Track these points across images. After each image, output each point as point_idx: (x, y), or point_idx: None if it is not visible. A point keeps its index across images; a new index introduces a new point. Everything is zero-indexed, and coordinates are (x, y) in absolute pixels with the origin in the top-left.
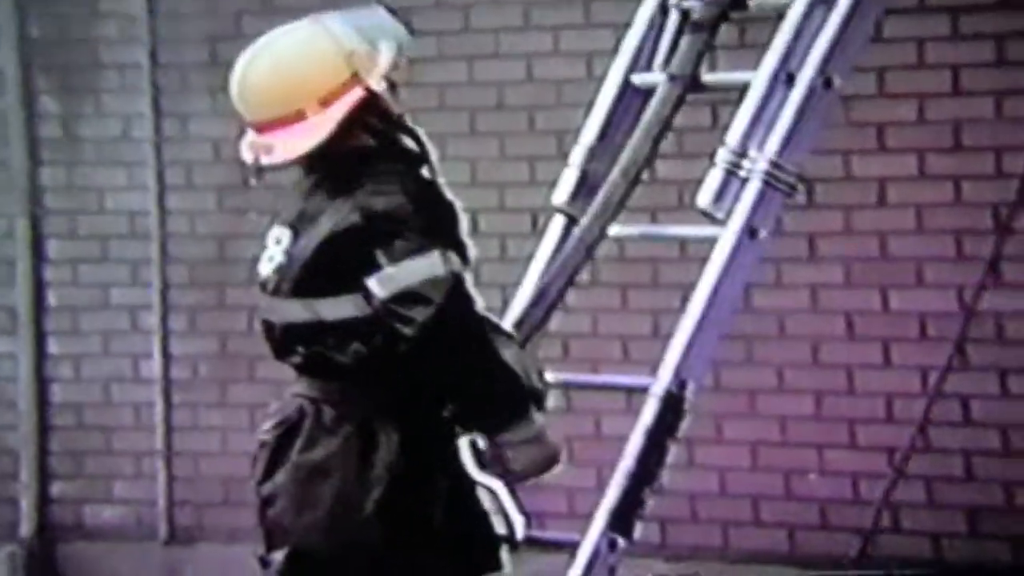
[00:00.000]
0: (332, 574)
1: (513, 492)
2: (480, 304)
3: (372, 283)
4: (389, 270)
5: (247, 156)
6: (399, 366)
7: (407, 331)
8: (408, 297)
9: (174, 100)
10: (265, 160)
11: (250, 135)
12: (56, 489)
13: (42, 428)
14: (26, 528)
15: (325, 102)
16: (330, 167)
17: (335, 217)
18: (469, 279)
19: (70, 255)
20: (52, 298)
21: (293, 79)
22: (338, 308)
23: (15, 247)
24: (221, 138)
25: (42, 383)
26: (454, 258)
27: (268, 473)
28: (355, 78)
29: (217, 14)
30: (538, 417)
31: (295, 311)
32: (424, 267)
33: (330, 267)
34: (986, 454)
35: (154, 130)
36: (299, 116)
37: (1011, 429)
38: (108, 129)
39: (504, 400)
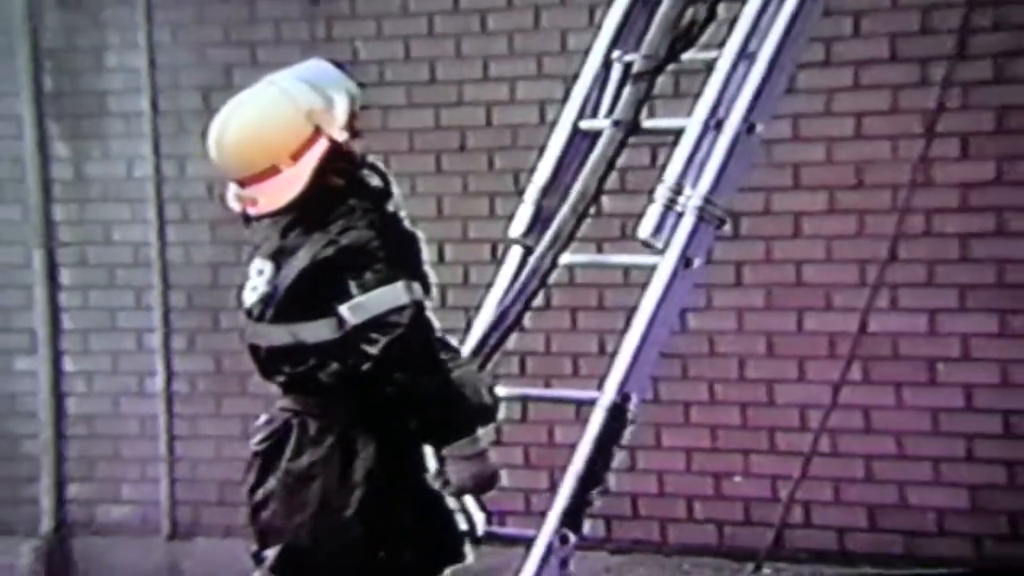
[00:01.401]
0: (319, 568)
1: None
2: (438, 326)
3: (344, 310)
4: (360, 299)
5: (235, 206)
6: (371, 383)
7: (373, 351)
8: (376, 323)
9: (172, 144)
10: (252, 211)
11: (234, 187)
12: (72, 491)
13: (59, 437)
14: (46, 525)
15: (295, 156)
16: (305, 205)
17: (312, 250)
18: (429, 306)
19: (81, 282)
20: (66, 321)
21: (264, 141)
22: (316, 331)
23: (33, 276)
24: (214, 177)
25: (58, 397)
26: (416, 287)
27: (260, 480)
28: (318, 131)
29: (210, 67)
30: (483, 438)
31: (278, 335)
32: (390, 296)
33: (308, 295)
34: (884, 458)
35: (154, 170)
36: (274, 171)
37: (905, 436)
38: (114, 170)
39: (450, 417)
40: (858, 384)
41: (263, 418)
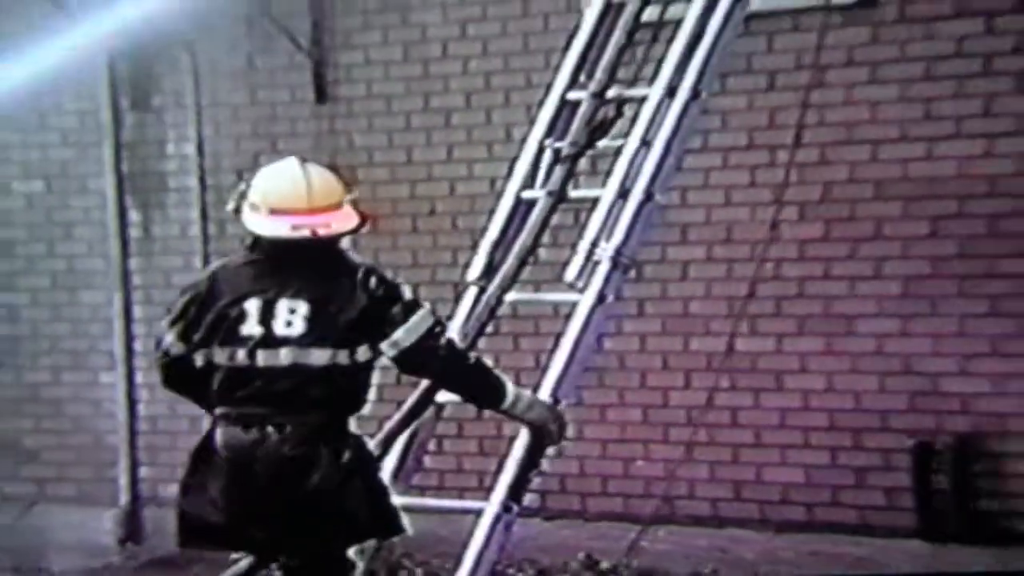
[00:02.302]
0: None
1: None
2: None
3: (400, 334)
4: (408, 324)
5: (301, 232)
6: (365, 394)
7: (441, 353)
8: (429, 335)
9: (215, 211)
10: (323, 232)
11: (292, 220)
12: (142, 472)
13: (132, 432)
14: (123, 498)
15: (350, 200)
16: (319, 253)
17: (356, 297)
18: None
19: (148, 316)
20: (138, 345)
21: (336, 183)
22: (356, 355)
23: (113, 312)
24: (244, 235)
25: (132, 402)
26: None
27: (302, 477)
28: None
29: (242, 154)
30: (512, 388)
31: (322, 358)
32: (425, 318)
33: (358, 329)
34: (746, 446)
35: (201, 231)
36: (340, 206)
37: (760, 429)
38: (172, 231)
39: (493, 384)
40: (727, 390)
41: (255, 432)
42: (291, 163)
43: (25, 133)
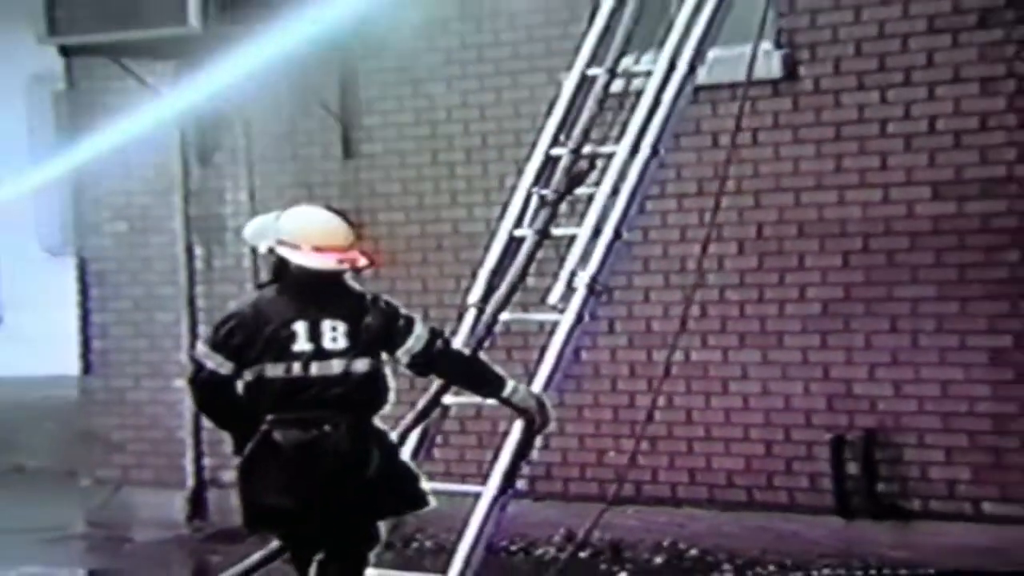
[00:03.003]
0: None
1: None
2: None
3: (411, 343)
4: (415, 334)
5: (343, 265)
6: (388, 394)
7: (444, 349)
8: (432, 341)
9: None
10: (359, 264)
11: (336, 255)
12: (205, 461)
13: (197, 428)
14: (190, 482)
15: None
16: (338, 281)
17: (373, 315)
18: None
19: None
20: None
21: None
22: (380, 362)
23: (181, 329)
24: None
25: None
26: None
27: (361, 467)
28: None
29: (285, 199)
30: (511, 381)
31: (364, 365)
32: (425, 327)
33: (379, 341)
34: (697, 439)
35: (252, 264)
36: (357, 245)
37: (710, 425)
38: (229, 263)
39: (493, 375)
40: (683, 393)
41: (315, 431)
42: (320, 209)
43: (113, 183)
